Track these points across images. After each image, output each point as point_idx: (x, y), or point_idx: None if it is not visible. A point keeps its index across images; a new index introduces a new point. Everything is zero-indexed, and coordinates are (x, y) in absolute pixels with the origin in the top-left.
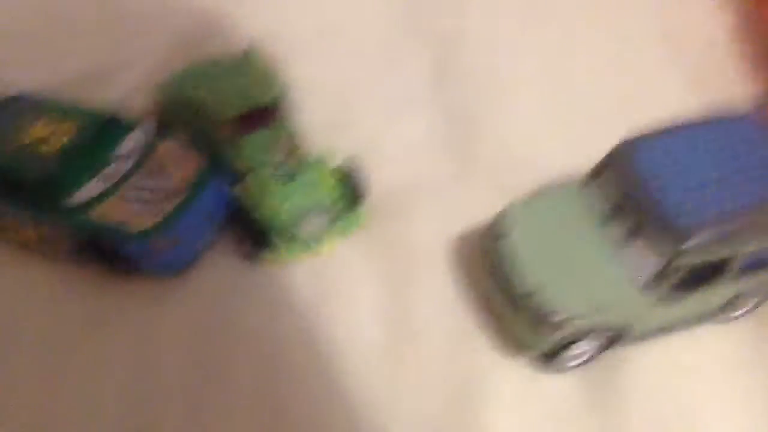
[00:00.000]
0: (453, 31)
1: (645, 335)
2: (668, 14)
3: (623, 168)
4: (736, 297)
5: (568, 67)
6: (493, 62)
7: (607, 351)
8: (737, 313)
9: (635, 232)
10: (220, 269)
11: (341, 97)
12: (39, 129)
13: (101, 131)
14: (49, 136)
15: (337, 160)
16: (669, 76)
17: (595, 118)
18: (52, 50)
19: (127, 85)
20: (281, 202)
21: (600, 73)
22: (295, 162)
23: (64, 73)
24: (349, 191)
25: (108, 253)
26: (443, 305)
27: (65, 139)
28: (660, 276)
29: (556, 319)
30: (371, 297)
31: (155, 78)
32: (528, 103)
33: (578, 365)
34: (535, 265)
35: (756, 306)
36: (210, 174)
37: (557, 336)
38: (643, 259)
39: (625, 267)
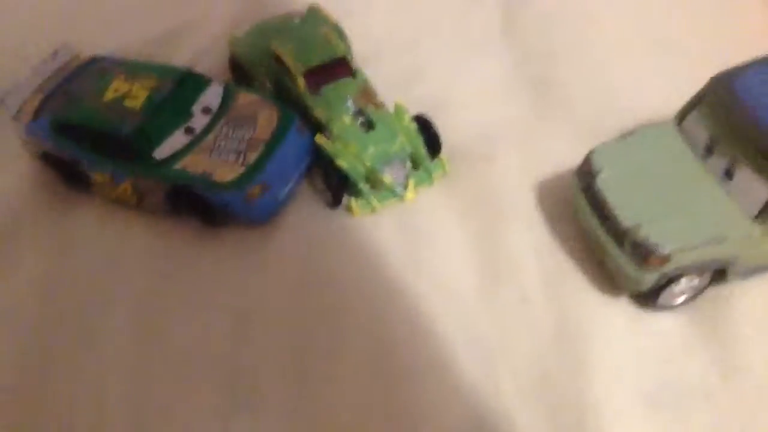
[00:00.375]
0: None
1: (752, 270)
2: None
3: (723, 98)
4: None
5: (646, 3)
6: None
7: (711, 287)
8: None
9: (741, 161)
10: (307, 217)
11: (413, 47)
12: (120, 84)
13: (180, 85)
14: (132, 91)
15: (413, 110)
16: (756, 12)
17: (676, 57)
18: (121, 15)
19: (196, 46)
20: (363, 150)
21: (683, 10)
22: (374, 111)
23: (134, 36)
24: (428, 139)
25: (198, 204)
26: (534, 247)
27: (147, 93)
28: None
29: (664, 251)
30: (460, 242)
31: (222, 39)
32: (604, 42)
33: (683, 302)
34: (637, 200)
35: None
36: (291, 123)
37: (665, 269)
38: (753, 187)
39: (732, 197)
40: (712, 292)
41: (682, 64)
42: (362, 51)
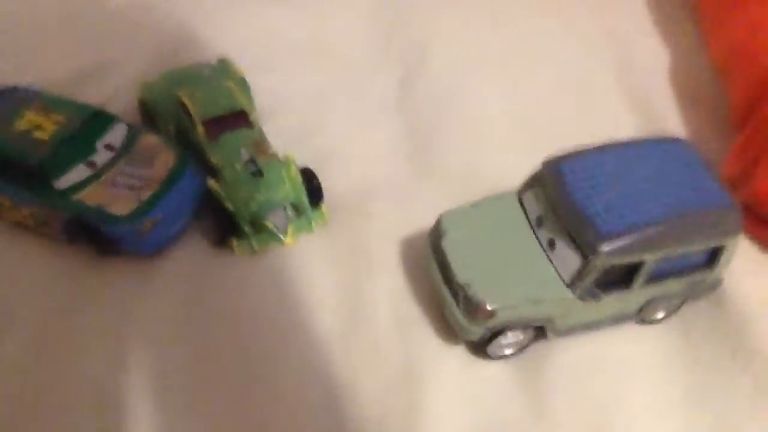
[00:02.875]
0: (420, 49)
1: (571, 330)
2: (622, 44)
3: (551, 181)
4: (651, 301)
5: (524, 89)
6: (456, 80)
7: (537, 342)
8: (657, 316)
9: (561, 235)
10: (194, 254)
11: (311, 106)
12: (32, 117)
13: (88, 122)
14: (42, 124)
15: (301, 162)
16: (617, 100)
17: (545, 137)
18: (45, 48)
19: (111, 87)
20: (250, 195)
21: (553, 98)
22: (265, 161)
23: (54, 72)
24: (312, 190)
25: (93, 233)
26: (394, 295)
27: (57, 127)
28: (581, 273)
29: (488, 307)
30: (330, 285)
31: (137, 81)
32: (484, 120)
33: (511, 354)
34: (472, 261)
35: (669, 313)
36: (185, 165)
37: (489, 323)
38: (567, 259)
39: (551, 264)
40: (536, 346)
41: (545, 142)
42: (266, 104)
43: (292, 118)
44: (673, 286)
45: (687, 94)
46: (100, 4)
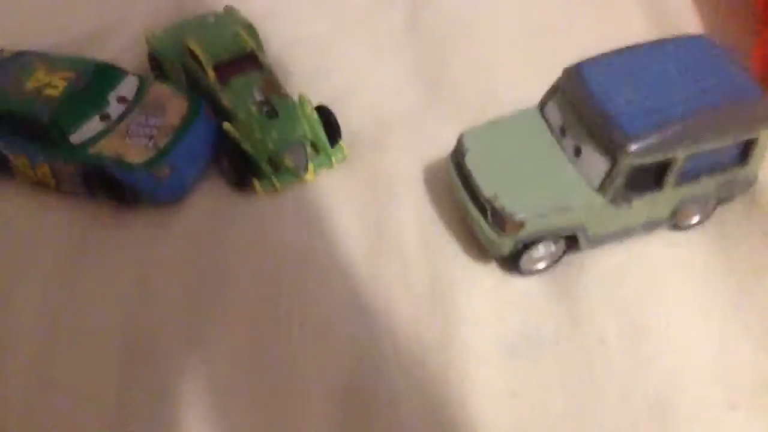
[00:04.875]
0: None
1: (603, 238)
2: None
3: (573, 87)
4: (684, 203)
5: (536, 6)
6: (463, 6)
7: (569, 254)
8: (692, 221)
9: (587, 140)
10: (214, 198)
11: (320, 48)
12: (41, 75)
13: (98, 76)
14: (51, 81)
15: (316, 101)
16: (635, 9)
17: (561, 56)
18: (45, 14)
19: (117, 45)
20: (266, 135)
21: (567, 13)
22: (278, 100)
23: (58, 35)
24: (328, 126)
25: (111, 184)
26: (420, 220)
27: (66, 83)
28: (609, 176)
29: (517, 218)
30: (354, 217)
31: (142, 38)
32: (497, 42)
33: (544, 268)
34: (497, 174)
35: (704, 217)
36: (199, 111)
37: (520, 235)
38: (595, 163)
39: (579, 171)
40: (569, 259)
41: (562, 60)
42: (275, 50)
43: (303, 62)
44: (706, 185)
45: None
46: None
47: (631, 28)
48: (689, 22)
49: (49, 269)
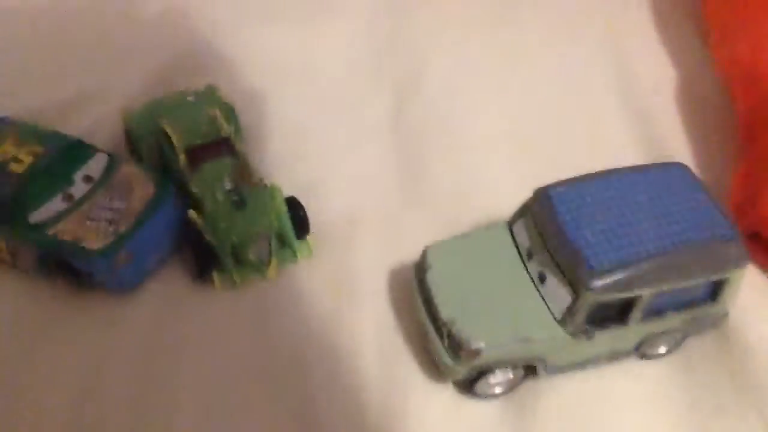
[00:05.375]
0: (412, 76)
1: (562, 368)
2: (625, 64)
3: (541, 211)
4: (649, 337)
5: (521, 114)
6: (450, 105)
7: (526, 380)
8: (658, 351)
9: (552, 268)
10: (173, 288)
11: (300, 132)
12: (9, 147)
13: (67, 153)
14: (18, 155)
15: (286, 191)
16: (619, 124)
17: (542, 165)
18: (23, 78)
19: (95, 115)
20: (232, 226)
21: (552, 123)
22: (248, 190)
23: (35, 101)
24: (296, 220)
25: (67, 268)
26: (380, 329)
27: (32, 159)
28: (571, 310)
29: (474, 346)
30: (314, 318)
31: (122, 109)
32: (479, 146)
33: (500, 393)
34: (457, 296)
35: (672, 348)
36: (165, 197)
37: (475, 363)
38: (559, 293)
39: (543, 299)
40: (527, 384)
41: (543, 169)
42: (254, 131)
43: (281, 145)
44: (674, 321)
45: (694, 115)
46: (84, 28)
47: (617, 143)
48: (676, 148)
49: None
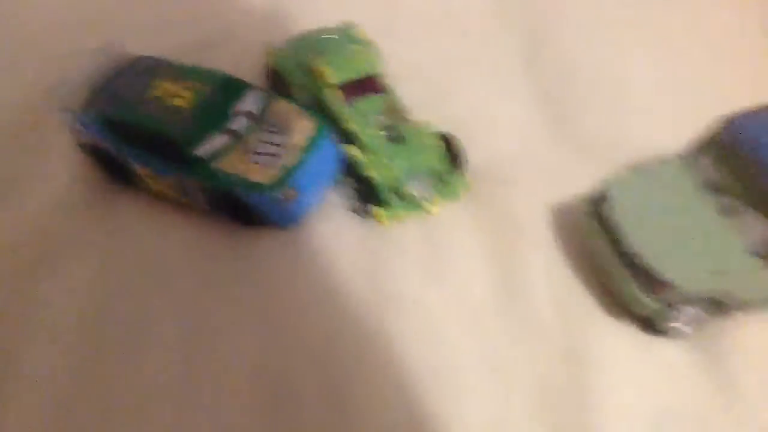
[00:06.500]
0: (544, 16)
1: (753, 303)
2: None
3: (731, 143)
4: None
5: (664, 52)
6: (586, 46)
7: (715, 317)
8: None
9: (745, 201)
10: (335, 223)
11: (438, 73)
12: (166, 85)
13: (223, 89)
14: (177, 92)
15: (439, 128)
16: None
17: (689, 100)
18: (162, 22)
19: (232, 53)
20: (392, 162)
21: (698, 60)
22: (403, 126)
23: (175, 40)
24: (452, 157)
25: (234, 203)
26: (547, 268)
27: (194, 95)
28: None
29: (668, 279)
30: (477, 257)
31: (256, 47)
32: (621, 85)
33: (687, 332)
34: (646, 230)
35: None
36: (325, 133)
37: (668, 297)
38: (753, 226)
39: (734, 234)
40: (717, 323)
41: (690, 103)
42: (393, 70)
43: (421, 85)
44: None
45: None
46: None
47: (760, 76)
48: None
49: (174, 287)
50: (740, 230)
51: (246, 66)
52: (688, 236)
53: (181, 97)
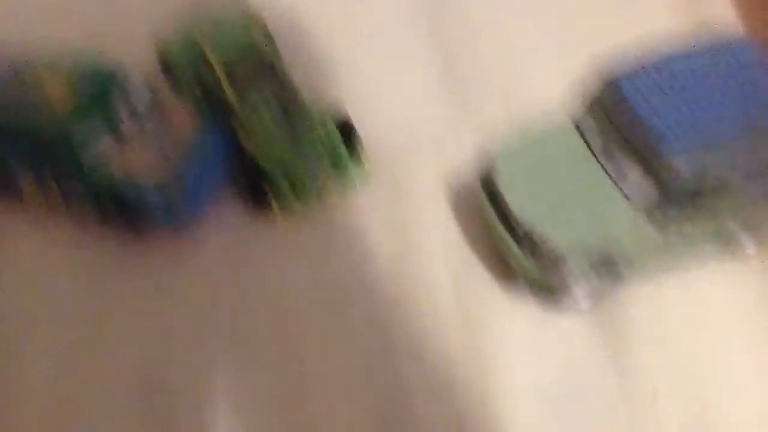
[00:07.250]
0: None
1: (650, 270)
2: None
3: (613, 103)
4: (738, 231)
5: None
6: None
7: (613, 289)
8: (748, 250)
9: (631, 162)
10: (231, 220)
11: (336, 50)
12: (41, 82)
13: (107, 86)
14: (59, 92)
15: (334, 111)
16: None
17: (587, 50)
18: (49, 14)
19: (130, 43)
20: (283, 148)
21: (591, 13)
22: (296, 112)
23: (63, 32)
24: (350, 141)
25: (122, 206)
26: (448, 243)
27: (74, 95)
28: (657, 202)
29: (557, 248)
30: (376, 237)
31: (152, 32)
32: (518, 40)
33: (585, 304)
34: (533, 199)
35: (758, 245)
36: (213, 127)
37: (559, 266)
38: (641, 187)
39: (623, 196)
40: (613, 295)
41: (588, 55)
42: (288, 39)
43: (318, 65)
44: (762, 212)
45: None
46: None
47: (659, 22)
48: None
49: (61, 305)
50: (631, 193)
51: (140, 57)
52: (578, 203)
53: (61, 98)
